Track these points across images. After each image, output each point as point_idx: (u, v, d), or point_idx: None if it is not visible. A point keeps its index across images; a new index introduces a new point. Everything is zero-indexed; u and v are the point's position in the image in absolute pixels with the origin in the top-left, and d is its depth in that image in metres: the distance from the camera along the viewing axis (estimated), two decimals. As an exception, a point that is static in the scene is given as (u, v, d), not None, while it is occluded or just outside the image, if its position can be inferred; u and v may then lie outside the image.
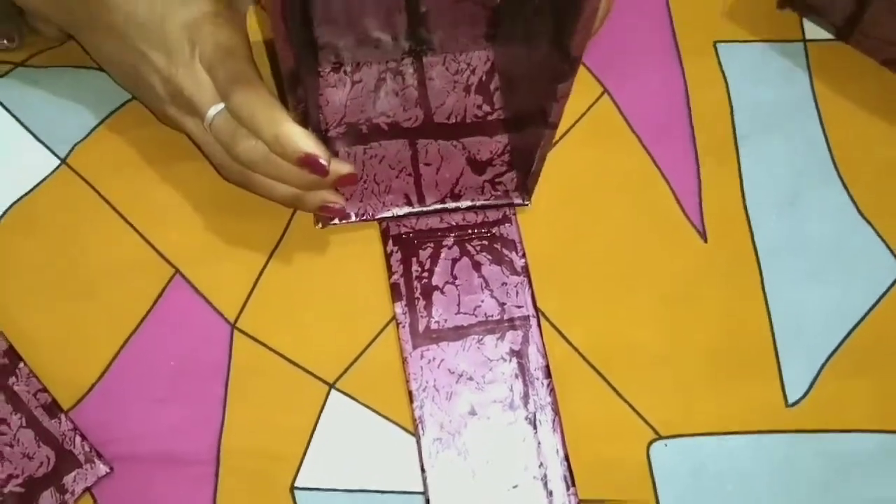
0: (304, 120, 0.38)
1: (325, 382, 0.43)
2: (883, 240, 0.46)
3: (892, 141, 0.48)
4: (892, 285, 0.45)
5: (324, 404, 0.43)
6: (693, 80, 0.49)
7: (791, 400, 0.43)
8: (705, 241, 0.46)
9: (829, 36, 0.50)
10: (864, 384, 0.44)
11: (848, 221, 0.47)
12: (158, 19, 0.40)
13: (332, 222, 0.45)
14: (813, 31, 0.50)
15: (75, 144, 0.47)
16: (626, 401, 0.43)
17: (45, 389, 0.42)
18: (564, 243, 0.46)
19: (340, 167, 0.40)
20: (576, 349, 0.44)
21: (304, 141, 0.38)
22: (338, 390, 0.43)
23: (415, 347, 0.43)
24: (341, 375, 0.43)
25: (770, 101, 0.49)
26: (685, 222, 0.46)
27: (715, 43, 0.50)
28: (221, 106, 0.40)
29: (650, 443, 0.43)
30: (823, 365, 0.44)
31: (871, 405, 0.43)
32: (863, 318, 0.45)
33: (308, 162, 0.38)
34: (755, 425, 0.43)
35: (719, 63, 0.50)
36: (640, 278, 0.45)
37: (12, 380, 0.42)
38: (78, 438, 0.41)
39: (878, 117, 0.48)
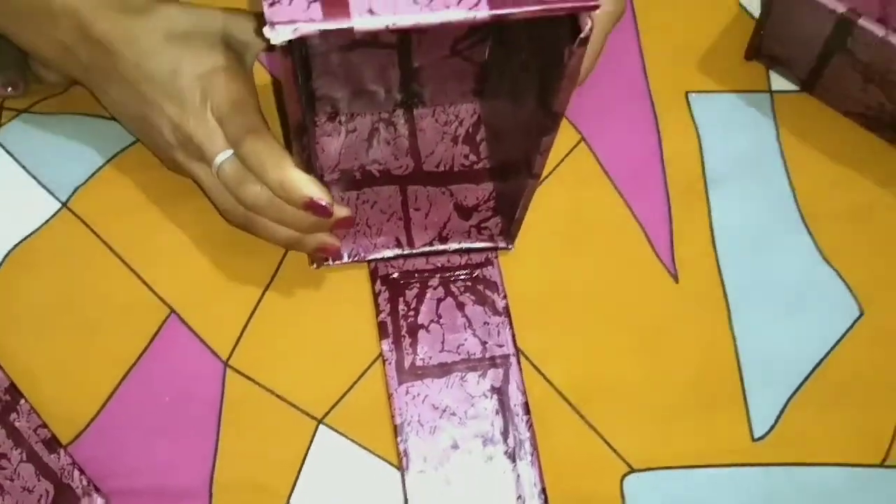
0: (308, 166, 0.41)
1: (314, 418, 0.45)
2: (844, 281, 0.49)
3: (853, 187, 0.51)
4: (852, 325, 0.48)
5: (312, 439, 0.45)
6: (665, 129, 0.52)
7: (757, 434, 0.46)
8: (677, 281, 0.48)
9: (794, 87, 0.53)
10: (827, 420, 0.46)
11: (811, 263, 0.49)
12: (171, 71, 0.42)
13: (326, 263, 0.47)
14: (779, 82, 0.53)
15: (76, 189, 0.49)
16: (600, 435, 0.45)
17: (44, 425, 0.44)
18: (543, 285, 0.48)
19: (339, 210, 0.42)
20: (553, 386, 0.46)
21: (309, 186, 0.40)
22: (325, 425, 0.45)
23: (400, 383, 0.45)
24: (329, 411, 0.45)
25: (738, 149, 0.51)
26: (658, 264, 0.49)
27: (686, 93, 0.53)
28: (230, 153, 0.42)
29: (624, 476, 0.45)
30: (788, 401, 0.46)
31: (833, 440, 0.46)
32: (825, 357, 0.47)
33: (313, 206, 0.41)
34: (723, 459, 0.45)
35: (690, 112, 0.52)
36: (615, 318, 0.47)
37: (13, 416, 0.44)
38: (76, 472, 0.43)
39: (840, 165, 0.51)
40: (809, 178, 0.51)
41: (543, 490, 0.43)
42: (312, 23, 0.31)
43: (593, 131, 0.51)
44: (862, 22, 0.45)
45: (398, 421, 0.45)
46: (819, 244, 0.49)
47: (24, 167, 0.49)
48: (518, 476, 0.44)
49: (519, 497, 0.43)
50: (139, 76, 0.43)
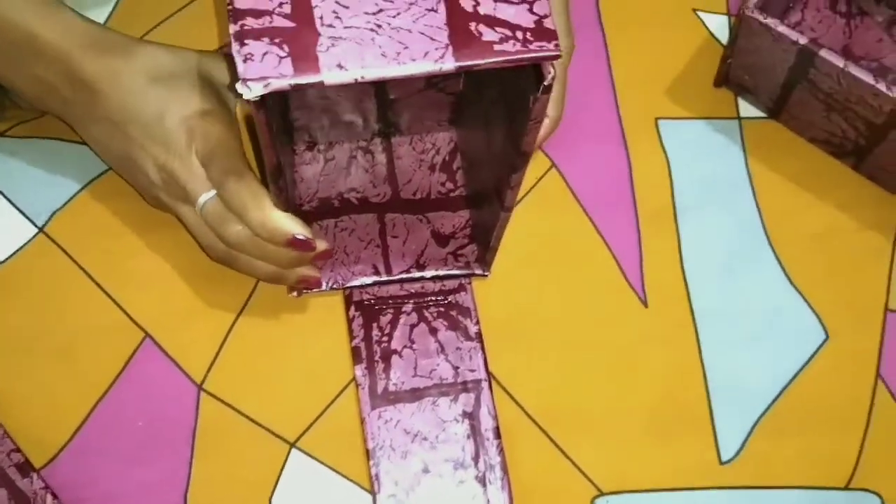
0: (286, 203, 0.42)
1: (286, 441, 0.46)
2: (810, 306, 0.50)
3: (819, 213, 0.52)
4: (818, 349, 0.49)
5: (285, 462, 0.45)
6: (636, 155, 0.52)
7: (724, 458, 0.46)
8: (646, 306, 0.49)
9: (761, 114, 0.54)
10: (793, 443, 0.47)
11: (779, 288, 0.50)
12: (157, 113, 0.43)
13: (305, 290, 0.48)
14: (747, 109, 0.54)
15: (53, 213, 0.49)
16: (570, 459, 0.46)
17: (18, 449, 0.44)
18: (515, 310, 0.49)
19: (319, 244, 0.43)
20: (524, 411, 0.47)
21: (290, 225, 0.41)
22: (298, 449, 0.45)
23: (373, 408, 0.46)
24: (302, 435, 0.46)
25: (707, 175, 0.52)
26: (627, 289, 0.49)
27: (656, 120, 0.53)
28: (213, 193, 0.43)
29: (593, 499, 0.45)
30: (755, 425, 0.47)
31: (799, 463, 0.46)
32: (791, 381, 0.48)
33: (295, 243, 0.42)
34: (691, 482, 0.46)
35: (660, 139, 0.53)
36: (585, 342, 0.48)
37: (-14, 440, 0.44)
38: (49, 497, 0.43)
39: (806, 190, 0.52)
40: (777, 203, 0.52)
41: (513, 514, 0.44)
42: (283, 78, 0.32)
43: (564, 157, 0.52)
44: (823, 53, 0.46)
45: (370, 445, 0.45)
46: (786, 269, 0.50)
47: (1, 192, 0.49)
48: (488, 500, 0.44)
49: (489, 521, 0.44)
50: (124, 117, 0.44)
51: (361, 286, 0.48)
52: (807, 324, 0.49)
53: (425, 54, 0.33)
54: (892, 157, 0.49)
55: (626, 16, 0.55)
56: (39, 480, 0.44)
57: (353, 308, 0.48)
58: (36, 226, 0.49)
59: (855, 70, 0.46)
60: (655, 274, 0.50)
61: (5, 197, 0.49)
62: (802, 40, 0.46)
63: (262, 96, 0.33)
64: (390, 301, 0.48)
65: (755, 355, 0.48)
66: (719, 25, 0.56)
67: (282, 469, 0.45)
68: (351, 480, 0.45)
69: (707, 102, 0.54)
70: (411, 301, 0.48)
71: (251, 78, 0.32)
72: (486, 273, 0.48)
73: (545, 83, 0.34)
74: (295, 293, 0.48)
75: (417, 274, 0.48)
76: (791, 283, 0.50)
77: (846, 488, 0.46)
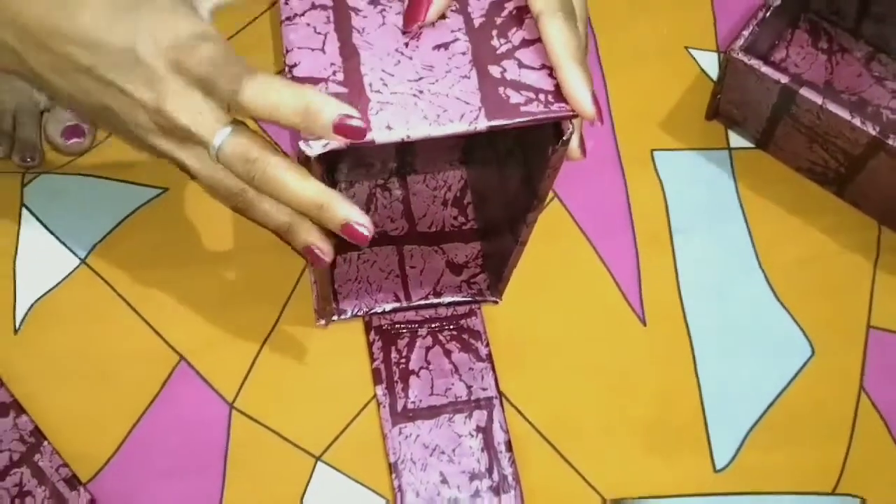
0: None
1: (312, 455, 0.49)
2: (798, 324, 0.53)
3: (805, 236, 0.55)
4: (805, 364, 0.52)
5: (311, 475, 0.49)
6: (633, 184, 0.56)
7: (718, 466, 0.50)
8: (645, 325, 0.53)
9: (750, 145, 0.57)
10: (783, 452, 0.50)
11: (768, 307, 0.53)
12: (127, 46, 0.37)
13: (333, 319, 0.51)
14: (736, 140, 0.58)
15: (94, 246, 0.53)
16: (576, 469, 0.49)
17: (65, 465, 0.48)
18: (523, 332, 0.52)
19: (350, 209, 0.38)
20: (533, 425, 0.50)
21: (334, 103, 0.36)
22: (323, 462, 0.49)
23: (394, 425, 0.49)
24: (326, 449, 0.49)
25: (700, 202, 0.56)
26: (627, 309, 0.53)
27: (652, 151, 0.57)
28: (227, 130, 0.38)
29: (598, 506, 0.49)
30: (747, 435, 0.50)
31: (788, 470, 0.50)
32: (781, 393, 0.51)
33: (343, 123, 0.36)
34: (687, 489, 0.49)
35: (656, 169, 0.57)
36: (588, 360, 0.52)
37: (37, 456, 0.48)
38: (96, 509, 0.47)
39: (793, 216, 0.56)
40: (766, 227, 0.55)
41: (524, 520, 0.47)
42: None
43: (566, 188, 0.56)
44: (803, 91, 0.50)
45: (392, 459, 0.49)
46: (775, 289, 0.54)
47: (45, 225, 0.53)
48: (501, 507, 0.48)
49: (502, 527, 0.47)
50: (92, 60, 0.37)
51: (383, 312, 0.51)
52: (794, 340, 0.53)
53: (461, 116, 0.36)
54: (870, 185, 0.53)
55: (623, 54, 0.59)
56: (86, 493, 0.47)
57: (372, 332, 0.52)
58: (78, 257, 0.53)
59: (832, 106, 0.49)
60: (653, 295, 0.53)
61: (49, 231, 0.53)
62: (784, 79, 0.50)
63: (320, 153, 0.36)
64: (407, 326, 0.52)
65: (747, 370, 0.52)
66: (710, 62, 0.59)
67: (309, 481, 0.49)
68: (373, 491, 0.49)
69: (699, 134, 0.58)
70: (426, 325, 0.52)
71: (311, 137, 0.36)
72: (498, 300, 0.52)
73: (564, 138, 0.37)
74: (323, 321, 0.51)
75: (435, 301, 0.52)
76: (780, 302, 0.54)
77: (833, 493, 0.49)
